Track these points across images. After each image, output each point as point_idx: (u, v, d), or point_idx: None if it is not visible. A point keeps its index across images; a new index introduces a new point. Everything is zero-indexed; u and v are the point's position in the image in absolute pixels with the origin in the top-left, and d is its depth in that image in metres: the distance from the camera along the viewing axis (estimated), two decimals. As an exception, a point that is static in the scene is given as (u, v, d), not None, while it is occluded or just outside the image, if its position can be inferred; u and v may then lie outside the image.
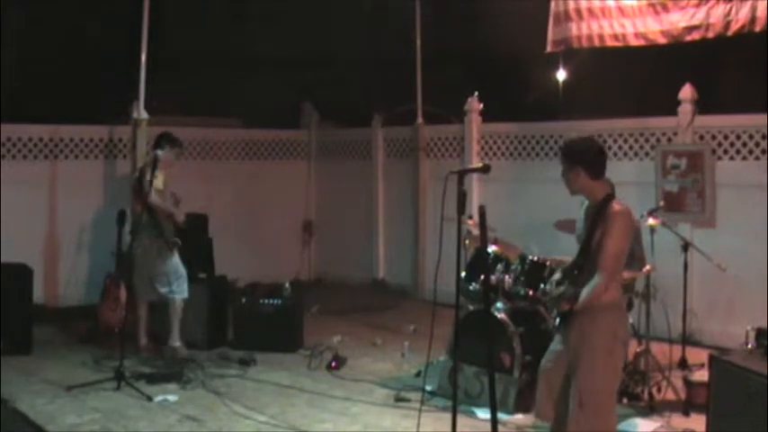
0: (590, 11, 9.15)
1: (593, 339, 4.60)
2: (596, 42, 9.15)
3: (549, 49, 9.60)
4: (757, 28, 7.96)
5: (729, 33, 8.11)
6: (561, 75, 11.58)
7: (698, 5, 8.32)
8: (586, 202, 4.79)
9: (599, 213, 4.62)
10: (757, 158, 8.30)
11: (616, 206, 4.62)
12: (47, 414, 6.36)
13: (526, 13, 10.50)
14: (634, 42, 8.87)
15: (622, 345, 4.73)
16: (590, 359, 4.59)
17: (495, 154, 10.39)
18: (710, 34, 8.25)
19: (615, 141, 9.29)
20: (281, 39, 13.05)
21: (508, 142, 10.27)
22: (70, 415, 6.36)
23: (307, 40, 12.89)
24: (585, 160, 4.65)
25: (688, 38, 8.43)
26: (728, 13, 8.10)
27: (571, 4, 9.30)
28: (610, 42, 9.05)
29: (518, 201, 9.87)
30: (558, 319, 4.78)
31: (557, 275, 4.86)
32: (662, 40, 8.66)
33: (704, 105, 8.70)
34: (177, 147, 8.17)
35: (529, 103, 11.80)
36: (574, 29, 9.29)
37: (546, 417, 4.88)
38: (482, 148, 10.52)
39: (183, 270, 8.01)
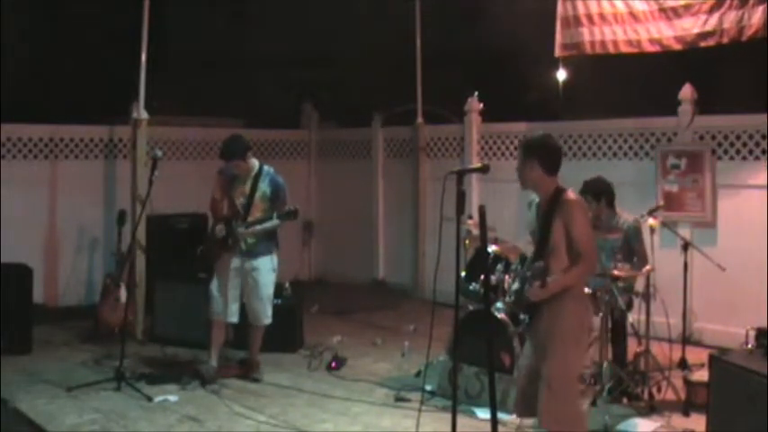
0: (602, 16, 9.03)
1: (562, 329, 4.72)
2: (611, 49, 9.04)
3: (557, 53, 9.51)
4: None
5: (744, 39, 8.04)
6: (561, 75, 11.58)
7: (710, 12, 8.24)
8: (536, 200, 4.91)
9: (553, 205, 4.72)
10: (757, 158, 8.30)
11: (571, 195, 4.76)
12: (47, 414, 6.35)
13: (527, 12, 10.49)
14: (649, 48, 8.77)
15: (588, 332, 4.97)
16: (560, 348, 4.71)
17: (495, 154, 10.39)
18: (725, 40, 8.18)
19: (615, 141, 9.29)
20: (281, 39, 13.05)
21: (508, 142, 10.27)
22: (70, 415, 6.35)
23: (307, 40, 12.89)
24: (541, 154, 4.80)
25: (702, 44, 8.35)
26: (741, 19, 8.02)
27: (581, 10, 9.19)
28: (624, 48, 8.94)
29: (518, 201, 9.85)
30: (527, 318, 4.84)
31: (516, 284, 4.99)
32: (677, 46, 8.57)
33: (704, 105, 8.69)
34: (225, 157, 7.58)
35: (529, 103, 11.81)
36: (586, 34, 9.17)
37: (519, 413, 5.05)
38: (482, 148, 10.52)
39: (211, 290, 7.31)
